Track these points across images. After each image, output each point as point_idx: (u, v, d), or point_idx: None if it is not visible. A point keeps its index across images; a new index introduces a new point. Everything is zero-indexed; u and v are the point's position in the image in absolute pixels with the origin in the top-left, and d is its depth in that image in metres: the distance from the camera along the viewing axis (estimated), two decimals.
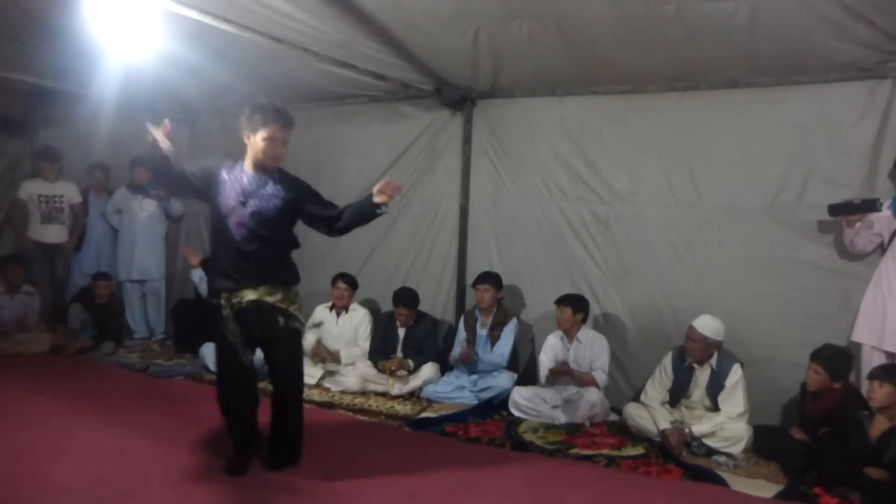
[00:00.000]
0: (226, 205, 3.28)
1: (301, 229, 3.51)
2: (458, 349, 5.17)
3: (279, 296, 3.36)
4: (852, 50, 3.83)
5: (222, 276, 3.32)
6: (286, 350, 3.47)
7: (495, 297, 5.10)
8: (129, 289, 6.77)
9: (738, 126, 4.51)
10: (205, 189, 3.36)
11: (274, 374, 3.51)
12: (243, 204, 3.27)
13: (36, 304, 6.45)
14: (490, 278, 5.09)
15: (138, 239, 6.66)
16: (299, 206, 3.37)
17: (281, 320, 3.37)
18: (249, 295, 3.30)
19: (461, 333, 5.27)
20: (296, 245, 3.55)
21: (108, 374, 5.59)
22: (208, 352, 5.63)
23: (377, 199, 3.15)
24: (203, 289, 5.76)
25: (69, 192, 6.79)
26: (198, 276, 5.72)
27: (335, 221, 3.34)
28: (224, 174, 3.35)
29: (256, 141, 3.25)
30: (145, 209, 6.69)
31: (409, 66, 4.78)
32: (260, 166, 3.31)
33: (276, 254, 3.40)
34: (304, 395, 5.01)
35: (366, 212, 3.25)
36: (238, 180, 3.31)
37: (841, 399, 3.78)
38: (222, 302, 3.33)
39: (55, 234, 6.73)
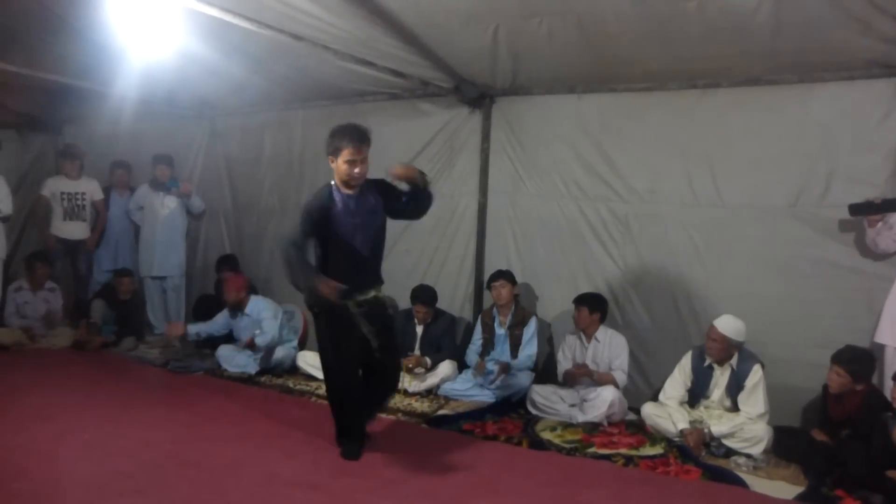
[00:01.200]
0: (346, 232, 3.62)
1: None
2: (475, 357, 5.17)
3: (381, 289, 3.83)
4: (877, 46, 3.76)
5: (351, 284, 3.53)
6: (393, 333, 4.01)
7: (511, 292, 5.09)
8: (150, 285, 6.85)
9: (759, 124, 4.46)
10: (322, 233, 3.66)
11: (386, 352, 3.83)
12: (357, 225, 3.64)
13: (59, 300, 6.55)
14: (504, 274, 5.09)
15: (159, 236, 6.73)
16: (389, 208, 3.77)
17: (390, 310, 4.06)
18: (371, 293, 3.72)
19: (478, 333, 5.26)
20: None
21: (128, 369, 5.66)
22: (224, 353, 5.67)
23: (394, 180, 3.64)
24: (206, 334, 5.77)
25: (91, 189, 6.87)
26: (193, 333, 5.71)
27: (410, 211, 3.80)
28: (330, 208, 3.61)
29: (339, 164, 3.55)
30: (167, 206, 6.75)
31: (429, 63, 4.78)
32: (350, 186, 3.62)
33: (381, 255, 3.86)
34: (322, 391, 5.07)
35: (420, 196, 3.71)
36: (346, 206, 3.62)
37: (863, 401, 3.73)
38: (350, 306, 3.60)
39: (77, 230, 6.81)
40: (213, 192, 6.99)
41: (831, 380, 3.81)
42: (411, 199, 3.73)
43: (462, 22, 4.04)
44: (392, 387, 4.12)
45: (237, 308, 5.67)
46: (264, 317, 5.58)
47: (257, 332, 5.51)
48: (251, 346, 5.52)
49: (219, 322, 5.77)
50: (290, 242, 3.56)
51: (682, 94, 4.68)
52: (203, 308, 6.48)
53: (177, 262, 6.84)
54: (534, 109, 5.28)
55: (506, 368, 4.93)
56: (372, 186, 3.71)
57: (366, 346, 3.69)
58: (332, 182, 3.65)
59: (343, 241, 3.61)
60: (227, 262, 6.40)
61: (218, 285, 6.55)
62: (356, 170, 3.51)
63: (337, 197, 3.61)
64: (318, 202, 3.60)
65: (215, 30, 4.20)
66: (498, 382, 4.87)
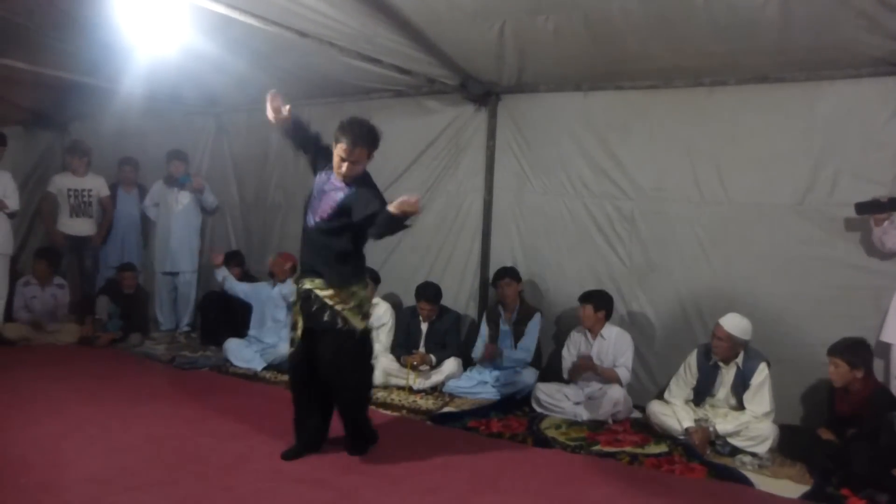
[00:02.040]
0: (309, 202, 3.55)
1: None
2: (481, 346, 5.17)
3: (329, 292, 3.49)
4: (885, 44, 3.75)
5: (303, 255, 3.60)
6: (327, 346, 3.53)
7: (517, 289, 5.10)
8: (161, 280, 6.85)
9: (766, 122, 4.45)
10: (312, 161, 3.67)
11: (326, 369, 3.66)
12: (316, 197, 3.51)
13: (66, 295, 6.58)
14: (509, 272, 5.09)
15: (173, 232, 6.75)
16: (355, 212, 3.41)
17: (326, 315, 3.49)
18: (307, 284, 3.53)
19: (484, 329, 5.26)
20: (355, 251, 3.58)
21: (135, 365, 5.67)
22: (231, 346, 5.69)
23: (393, 211, 3.14)
24: (228, 286, 5.87)
25: (98, 186, 6.89)
26: (221, 275, 5.83)
27: (371, 228, 3.38)
28: (316, 167, 3.61)
29: (334, 154, 3.43)
30: (181, 202, 6.77)
31: (434, 60, 4.77)
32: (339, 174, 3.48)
33: (331, 252, 3.51)
34: None
35: (390, 224, 3.27)
36: (323, 179, 3.54)
37: (870, 397, 3.73)
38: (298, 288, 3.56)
39: (84, 227, 6.84)
40: (220, 188, 7.00)
41: (831, 373, 3.82)
42: (380, 223, 3.31)
43: (468, 18, 4.03)
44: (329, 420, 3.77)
45: (280, 280, 5.85)
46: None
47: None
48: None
49: (246, 288, 5.98)
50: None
51: (689, 92, 4.67)
52: (209, 305, 6.50)
53: (190, 258, 6.84)
54: (540, 107, 5.27)
55: (494, 350, 5.03)
56: (360, 186, 3.48)
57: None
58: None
59: (305, 209, 3.58)
60: (233, 258, 6.42)
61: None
62: (342, 167, 3.39)
63: (325, 169, 3.55)
64: (324, 152, 3.59)
65: (221, 26, 4.20)
66: (507, 378, 4.87)
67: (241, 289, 5.98)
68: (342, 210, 3.44)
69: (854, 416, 3.77)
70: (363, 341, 3.64)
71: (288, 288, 5.66)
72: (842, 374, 3.77)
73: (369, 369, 3.83)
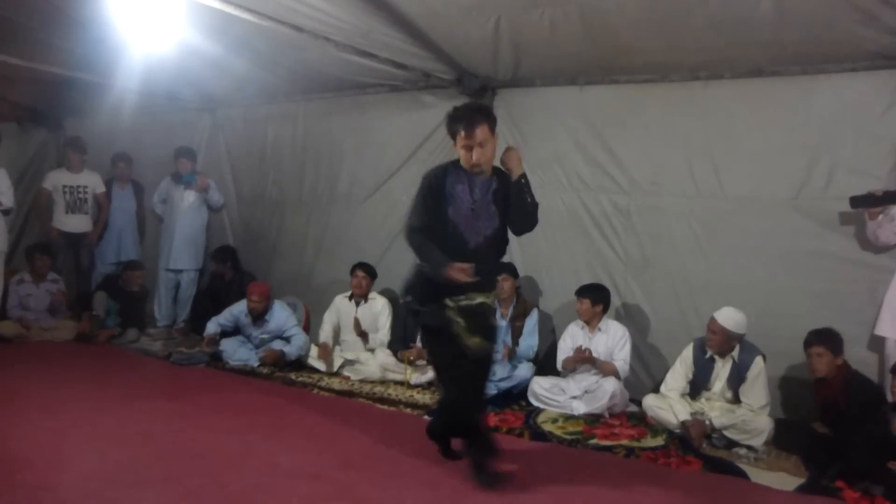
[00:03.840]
0: (458, 214, 3.23)
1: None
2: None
3: (491, 298, 3.40)
4: (881, 38, 3.75)
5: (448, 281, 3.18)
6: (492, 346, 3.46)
7: (514, 285, 5.10)
8: (164, 277, 6.84)
9: (762, 116, 4.45)
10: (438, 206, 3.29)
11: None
12: (473, 210, 3.24)
13: (61, 292, 6.55)
14: (506, 268, 5.07)
15: (178, 229, 6.73)
16: (511, 207, 3.26)
17: (493, 321, 3.42)
18: (479, 298, 3.27)
19: None
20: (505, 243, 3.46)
21: (132, 361, 5.68)
22: (227, 345, 5.69)
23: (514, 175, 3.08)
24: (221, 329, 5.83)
25: (93, 183, 6.88)
26: (216, 331, 5.78)
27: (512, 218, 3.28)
28: (449, 185, 3.25)
29: (458, 150, 3.20)
30: (186, 199, 6.76)
31: (430, 55, 4.77)
32: (473, 170, 3.23)
33: (498, 255, 3.42)
34: (324, 383, 5.10)
35: (518, 196, 3.18)
36: (466, 188, 3.25)
37: (846, 384, 3.77)
38: (449, 304, 3.24)
39: (80, 223, 6.83)
40: (216, 184, 6.97)
41: (816, 363, 3.84)
42: (513, 203, 3.21)
43: (463, 13, 4.03)
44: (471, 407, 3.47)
45: (260, 315, 5.67)
46: (289, 326, 5.66)
47: (283, 343, 5.58)
48: (278, 359, 5.50)
49: (232, 318, 5.80)
50: (411, 229, 3.30)
51: (685, 86, 4.67)
52: (202, 301, 6.51)
53: (194, 255, 6.83)
54: (536, 101, 5.27)
55: (511, 351, 4.96)
56: (504, 178, 3.28)
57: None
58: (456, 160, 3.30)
59: (453, 228, 3.23)
60: (225, 254, 6.41)
61: (213, 277, 6.56)
62: (473, 156, 3.13)
63: (455, 175, 3.26)
64: (433, 180, 3.27)
65: (217, 23, 4.19)
66: (505, 373, 4.85)
67: (231, 321, 5.82)
68: (504, 209, 3.27)
69: (832, 405, 3.81)
70: None
71: (280, 319, 5.67)
72: (827, 363, 3.80)
73: None
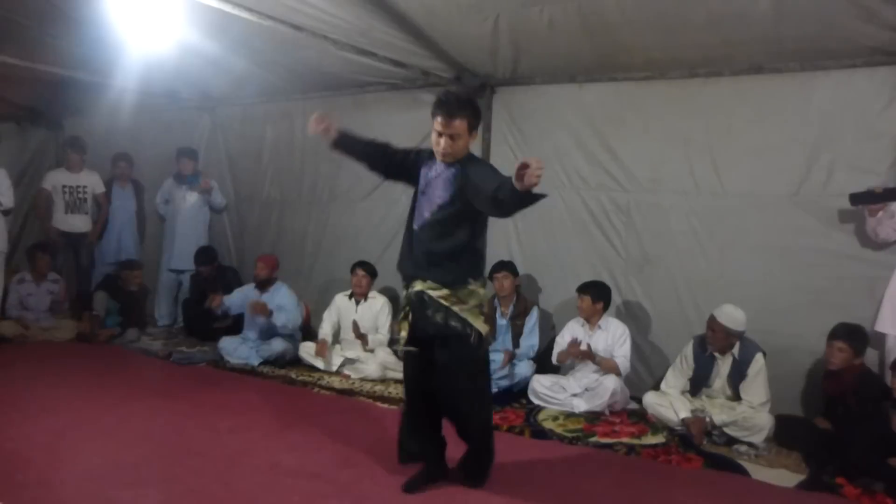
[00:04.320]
0: (415, 193, 3.21)
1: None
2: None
3: (444, 292, 3.08)
4: (880, 34, 3.74)
5: (404, 262, 3.23)
6: (443, 352, 3.11)
7: (514, 283, 5.09)
8: (165, 277, 6.85)
9: (761, 113, 4.44)
10: (400, 171, 3.33)
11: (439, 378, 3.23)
12: (423, 193, 3.15)
13: (61, 291, 6.54)
14: (507, 266, 5.08)
15: (180, 229, 6.74)
16: (469, 192, 2.98)
17: (440, 317, 3.07)
18: (417, 286, 3.14)
19: None
20: (471, 244, 3.16)
21: (132, 360, 5.68)
22: (226, 344, 5.69)
23: (518, 186, 2.59)
24: (226, 308, 5.88)
25: (93, 183, 6.87)
26: (221, 309, 5.82)
27: (497, 200, 2.80)
28: (418, 163, 3.23)
29: (432, 134, 3.07)
30: (188, 200, 6.76)
31: (429, 53, 4.77)
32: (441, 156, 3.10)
33: (444, 248, 3.10)
34: (325, 382, 5.10)
35: (518, 198, 2.69)
36: (427, 171, 3.18)
37: (858, 377, 3.77)
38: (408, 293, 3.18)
39: (79, 223, 6.81)
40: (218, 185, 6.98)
41: (833, 356, 3.84)
42: (512, 196, 2.69)
43: (462, 11, 4.02)
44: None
45: (264, 283, 5.75)
46: (286, 302, 5.69)
47: (283, 342, 5.62)
48: (263, 311, 5.54)
49: (240, 297, 5.84)
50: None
51: (684, 83, 4.66)
52: (190, 304, 6.52)
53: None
54: (535, 99, 5.27)
55: (511, 356, 4.94)
56: (470, 166, 3.07)
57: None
58: None
59: (411, 205, 3.21)
60: (209, 255, 6.41)
61: (194, 279, 6.54)
62: (440, 143, 3.01)
63: (426, 164, 3.20)
64: (423, 153, 3.25)
65: (216, 22, 4.19)
66: (504, 371, 4.85)
67: (234, 303, 5.85)
68: (456, 192, 3.03)
69: (840, 397, 3.81)
70: (482, 347, 3.19)
71: (279, 296, 5.69)
72: (844, 359, 3.80)
73: (489, 380, 3.41)
